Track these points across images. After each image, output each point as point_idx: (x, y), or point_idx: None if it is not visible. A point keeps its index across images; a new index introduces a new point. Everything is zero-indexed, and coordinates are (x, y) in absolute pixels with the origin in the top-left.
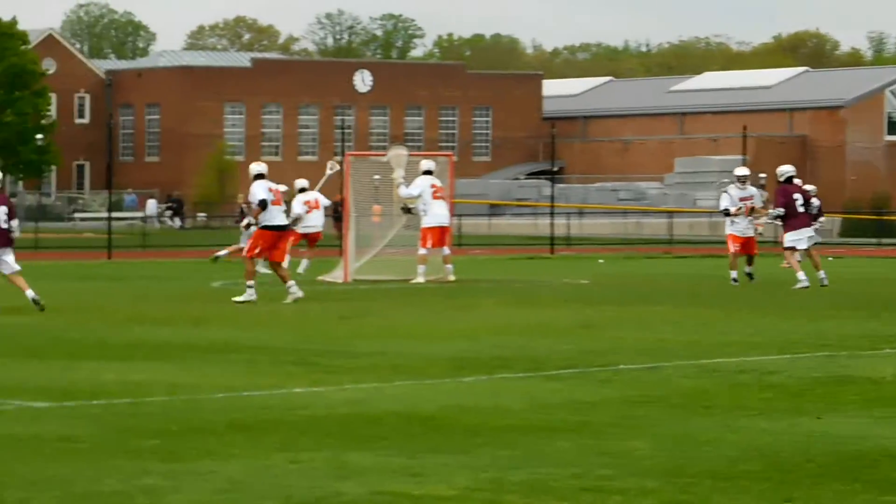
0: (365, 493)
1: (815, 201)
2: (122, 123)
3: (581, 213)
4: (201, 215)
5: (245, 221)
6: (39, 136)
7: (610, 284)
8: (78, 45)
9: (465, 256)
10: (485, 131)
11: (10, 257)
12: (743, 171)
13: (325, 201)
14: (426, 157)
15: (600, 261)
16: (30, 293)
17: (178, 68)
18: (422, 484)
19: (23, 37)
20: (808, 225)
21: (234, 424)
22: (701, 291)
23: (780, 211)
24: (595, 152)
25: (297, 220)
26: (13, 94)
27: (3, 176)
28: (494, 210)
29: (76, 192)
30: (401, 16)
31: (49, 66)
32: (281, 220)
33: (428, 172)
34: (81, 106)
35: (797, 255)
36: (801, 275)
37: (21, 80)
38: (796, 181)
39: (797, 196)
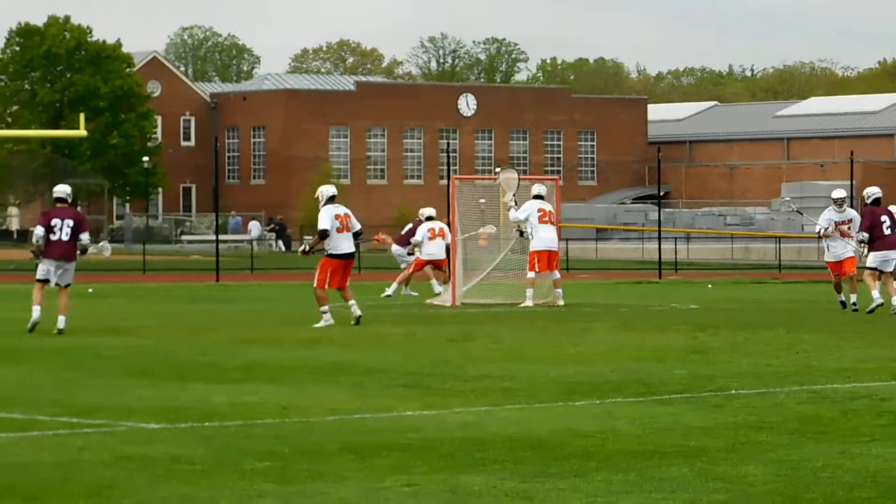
0: None
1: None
2: (227, 146)
3: (688, 238)
4: (308, 238)
5: (302, 247)
6: (146, 158)
7: (719, 309)
8: (182, 68)
9: (572, 280)
10: (590, 155)
11: (69, 271)
12: (839, 193)
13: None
14: (537, 181)
15: (709, 286)
16: (61, 319)
17: (282, 91)
18: None
19: (127, 59)
20: (893, 247)
21: (346, 447)
22: (811, 316)
23: (865, 235)
24: (701, 177)
25: (416, 247)
26: (119, 117)
27: (72, 191)
28: (601, 234)
29: (183, 214)
30: (504, 39)
31: (154, 88)
32: (347, 247)
33: (538, 197)
34: (187, 128)
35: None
36: (875, 293)
37: (126, 102)
38: (891, 207)
39: (884, 218)
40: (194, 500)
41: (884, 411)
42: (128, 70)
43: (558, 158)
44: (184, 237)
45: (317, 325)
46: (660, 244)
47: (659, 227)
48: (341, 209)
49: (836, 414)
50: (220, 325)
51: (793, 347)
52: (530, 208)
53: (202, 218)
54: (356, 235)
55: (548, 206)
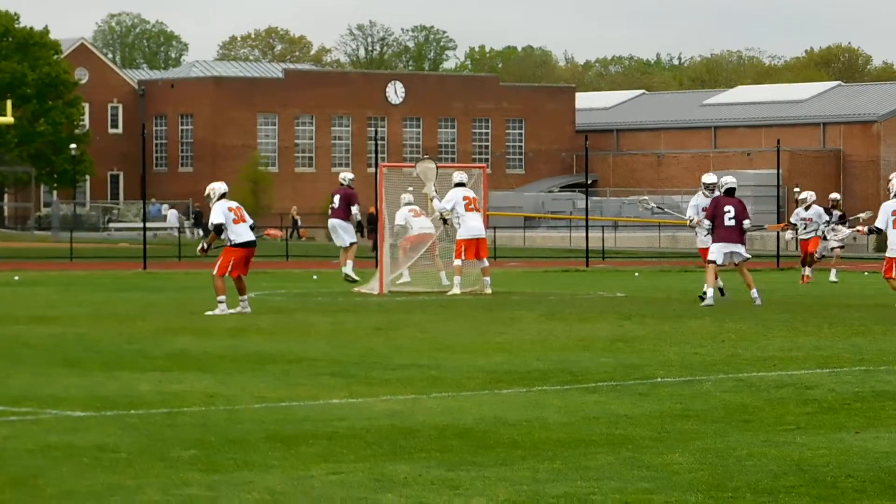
0: None
1: (835, 212)
2: (155, 134)
3: (615, 227)
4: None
5: (199, 246)
6: (73, 145)
7: (646, 298)
8: (110, 55)
9: (500, 269)
10: (518, 144)
11: None
12: (710, 178)
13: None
14: (458, 168)
15: (636, 274)
16: None
17: (211, 79)
18: (461, 496)
19: (55, 46)
20: (735, 240)
21: (273, 436)
22: (737, 306)
23: (706, 223)
24: (629, 165)
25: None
26: (46, 104)
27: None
28: (529, 223)
29: (110, 202)
30: (433, 27)
31: (81, 75)
32: (248, 236)
33: (460, 184)
34: (115, 116)
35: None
36: (709, 291)
37: (54, 89)
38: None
39: (728, 208)
40: (120, 488)
41: (809, 399)
42: (55, 57)
43: (486, 147)
44: (111, 225)
45: (211, 313)
46: (587, 232)
47: (587, 215)
48: (233, 203)
49: (761, 402)
50: (147, 313)
51: (718, 336)
52: (455, 197)
53: (130, 206)
54: (251, 228)
55: (472, 194)
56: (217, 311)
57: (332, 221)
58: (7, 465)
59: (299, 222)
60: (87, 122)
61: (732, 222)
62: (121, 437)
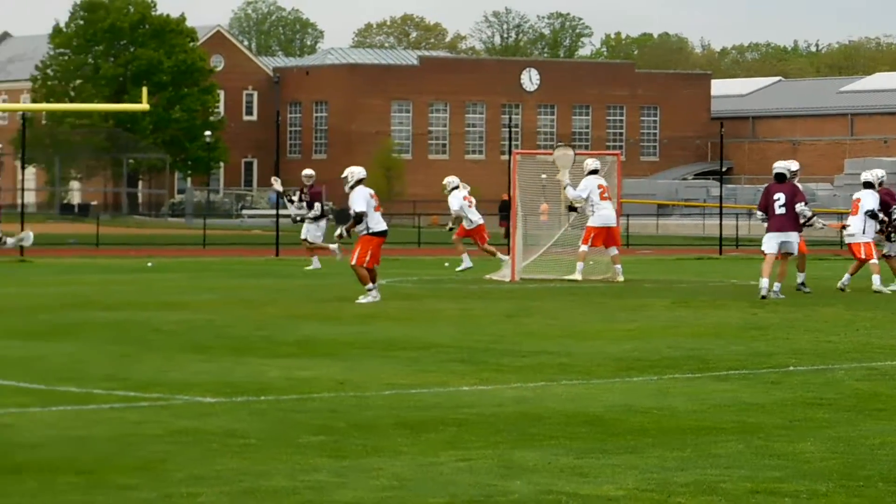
0: (533, 492)
1: None
2: (289, 121)
3: (750, 214)
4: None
5: (338, 231)
6: (208, 132)
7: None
8: (245, 43)
9: (632, 256)
10: (652, 131)
11: None
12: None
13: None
14: (592, 156)
15: None
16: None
17: (345, 66)
18: (589, 484)
19: (191, 34)
20: (789, 228)
21: (401, 422)
22: (871, 294)
23: (760, 214)
24: (764, 153)
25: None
26: (182, 91)
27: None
28: (662, 210)
29: (244, 188)
30: (568, 14)
31: (217, 63)
32: (384, 225)
33: (593, 172)
34: (249, 103)
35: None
36: (763, 282)
37: (189, 76)
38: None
39: (778, 195)
40: (248, 474)
41: None
42: (191, 44)
43: (620, 134)
44: (244, 212)
45: (362, 301)
46: (721, 220)
47: (721, 203)
48: (371, 190)
49: (893, 391)
50: (277, 299)
51: (852, 325)
52: (590, 185)
53: (263, 192)
54: None
55: (604, 182)
56: (368, 299)
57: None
58: (136, 450)
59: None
60: (221, 109)
61: (783, 210)
62: (249, 422)
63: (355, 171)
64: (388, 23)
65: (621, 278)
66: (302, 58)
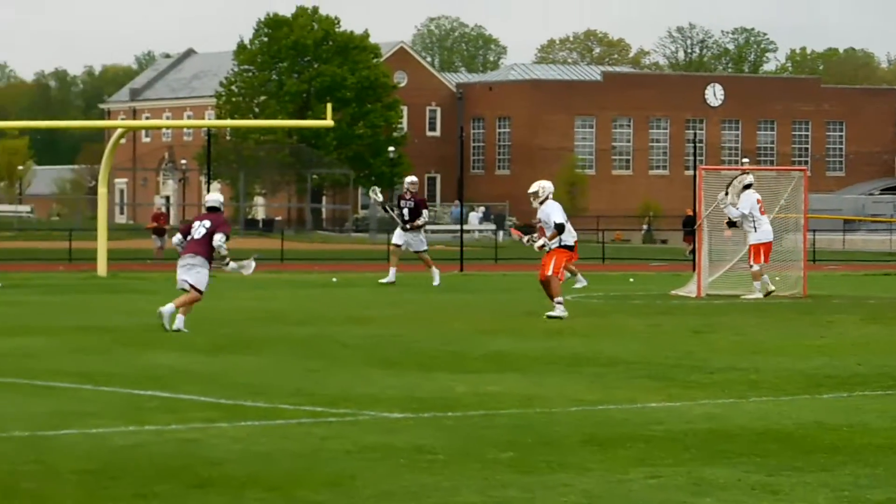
0: None
1: None
2: (472, 136)
3: None
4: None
5: (540, 242)
6: (391, 148)
7: None
8: (428, 59)
9: (819, 272)
10: (838, 146)
11: (190, 271)
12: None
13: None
14: (785, 171)
15: None
16: (172, 314)
17: (528, 81)
18: (781, 501)
19: (374, 50)
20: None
21: (589, 438)
22: None
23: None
24: None
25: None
26: (365, 107)
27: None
28: (848, 226)
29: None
30: (753, 29)
31: (400, 79)
32: (574, 239)
33: (748, 186)
34: (433, 119)
35: None
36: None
37: (373, 92)
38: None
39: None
40: (437, 490)
41: None
42: (375, 60)
43: (806, 149)
44: (427, 227)
45: (553, 315)
46: None
47: None
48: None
49: None
50: (463, 314)
51: None
52: (751, 200)
53: (446, 208)
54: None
55: (759, 196)
56: (557, 312)
57: None
58: (325, 466)
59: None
60: (405, 124)
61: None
62: (437, 438)
63: (546, 186)
64: (571, 39)
65: (772, 288)
66: (485, 73)
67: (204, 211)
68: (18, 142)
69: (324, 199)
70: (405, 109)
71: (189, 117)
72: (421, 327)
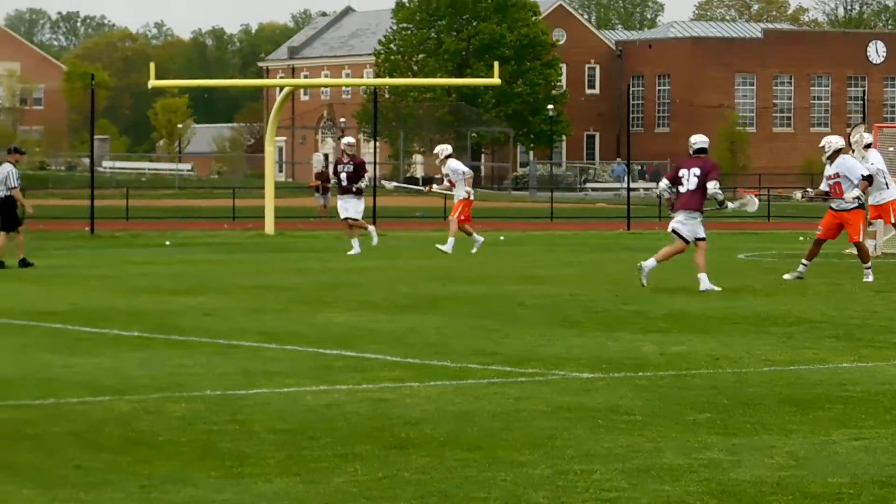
0: None
1: None
2: (632, 94)
3: None
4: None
5: (855, 193)
6: (550, 106)
7: None
8: (586, 16)
9: None
10: None
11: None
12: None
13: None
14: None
15: None
16: (652, 269)
17: (689, 39)
18: None
19: (533, 8)
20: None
21: (785, 399)
22: None
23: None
24: None
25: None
26: (524, 65)
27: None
28: None
29: (586, 162)
30: None
31: (559, 36)
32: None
33: (869, 145)
34: (591, 77)
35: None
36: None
37: (532, 50)
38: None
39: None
40: (639, 451)
41: None
42: (533, 18)
43: None
44: (588, 185)
45: (868, 280)
46: None
47: None
48: None
49: None
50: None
51: None
52: (877, 159)
53: (606, 166)
54: None
55: None
56: (870, 278)
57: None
58: (522, 426)
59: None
60: (563, 82)
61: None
62: (632, 399)
63: (834, 140)
64: None
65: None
66: (643, 31)
67: (691, 154)
68: (178, 100)
69: (483, 156)
70: (564, 67)
71: (347, 76)
72: (597, 286)
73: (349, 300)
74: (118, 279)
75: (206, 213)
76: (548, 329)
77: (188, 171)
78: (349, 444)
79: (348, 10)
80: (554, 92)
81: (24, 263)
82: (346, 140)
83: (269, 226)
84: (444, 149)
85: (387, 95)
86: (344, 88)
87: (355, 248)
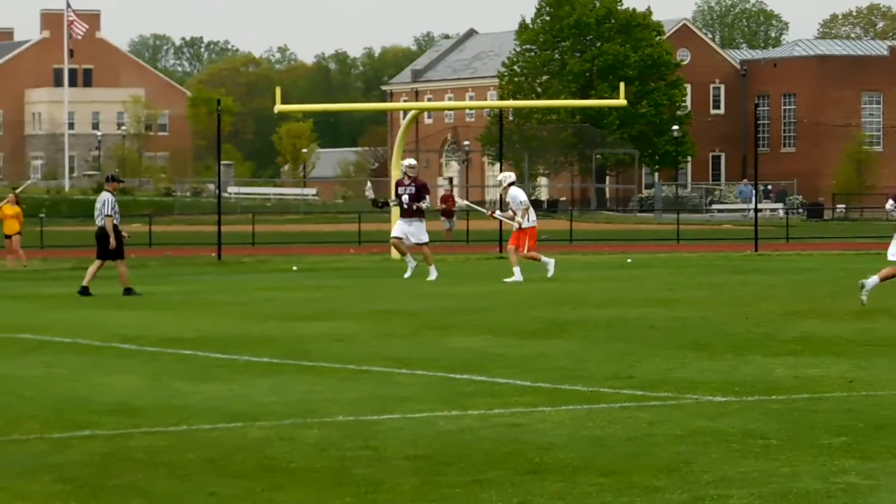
0: None
1: None
2: (756, 114)
3: None
4: (840, 207)
5: None
6: (675, 127)
7: None
8: (710, 35)
9: None
10: None
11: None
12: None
13: None
14: None
15: None
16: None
17: (814, 58)
18: None
19: (657, 27)
20: None
21: None
22: None
23: None
24: None
25: None
26: (648, 86)
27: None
28: None
29: (712, 183)
30: None
31: (683, 56)
32: None
33: None
34: (716, 96)
35: None
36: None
37: (656, 71)
38: None
39: None
40: (775, 476)
41: None
42: (657, 38)
43: None
44: (714, 206)
45: None
46: None
47: None
48: None
49: None
50: (767, 295)
51: None
52: None
53: (731, 187)
54: None
55: None
56: None
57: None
58: (657, 451)
59: None
60: (688, 103)
61: None
62: (765, 422)
63: None
64: (854, 13)
65: None
66: (767, 50)
67: None
68: (303, 125)
69: (607, 178)
70: (688, 87)
71: (471, 98)
72: (726, 309)
73: (477, 325)
74: (246, 305)
75: (332, 238)
76: (679, 352)
77: (313, 195)
78: (483, 469)
79: (471, 33)
80: (679, 112)
81: (128, 292)
82: (406, 162)
83: (395, 250)
84: (506, 176)
85: (510, 118)
86: (468, 111)
87: (410, 265)
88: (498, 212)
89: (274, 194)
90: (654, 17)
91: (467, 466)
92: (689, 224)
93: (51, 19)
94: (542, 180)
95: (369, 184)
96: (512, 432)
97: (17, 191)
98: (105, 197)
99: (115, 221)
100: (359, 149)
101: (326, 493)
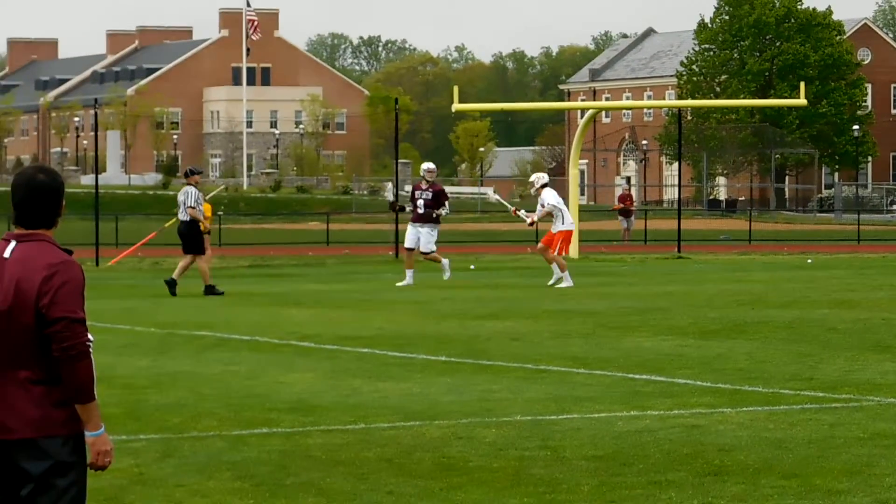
0: None
1: None
2: None
3: None
4: None
5: None
6: (855, 127)
7: None
8: (891, 35)
9: None
10: None
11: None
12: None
13: None
14: None
15: None
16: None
17: None
18: None
19: (838, 27)
20: None
21: None
22: None
23: None
24: None
25: None
26: (829, 85)
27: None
28: None
29: (892, 183)
30: None
31: (864, 56)
32: None
33: None
34: None
35: None
36: None
37: (836, 70)
38: None
39: None
40: None
41: None
42: (838, 38)
43: None
44: (894, 207)
45: None
46: None
47: None
48: None
49: None
50: None
51: None
52: None
53: None
54: None
55: None
56: None
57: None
58: (838, 453)
59: None
60: (868, 102)
61: None
62: None
63: None
64: None
65: None
66: None
67: None
68: (480, 124)
69: (787, 178)
70: (869, 87)
71: (649, 97)
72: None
73: (656, 325)
74: (423, 303)
75: (509, 237)
76: (860, 354)
77: (493, 193)
78: (662, 470)
79: (650, 32)
80: (859, 112)
81: (210, 291)
82: (425, 166)
83: (574, 249)
84: (539, 177)
85: (689, 117)
86: (646, 111)
87: (408, 278)
88: (522, 212)
89: (451, 193)
90: (835, 17)
91: (646, 467)
92: (869, 224)
93: (229, 18)
94: (721, 180)
95: (389, 186)
96: (692, 433)
97: (209, 196)
98: (188, 190)
99: (199, 217)
100: (536, 148)
101: (504, 492)
